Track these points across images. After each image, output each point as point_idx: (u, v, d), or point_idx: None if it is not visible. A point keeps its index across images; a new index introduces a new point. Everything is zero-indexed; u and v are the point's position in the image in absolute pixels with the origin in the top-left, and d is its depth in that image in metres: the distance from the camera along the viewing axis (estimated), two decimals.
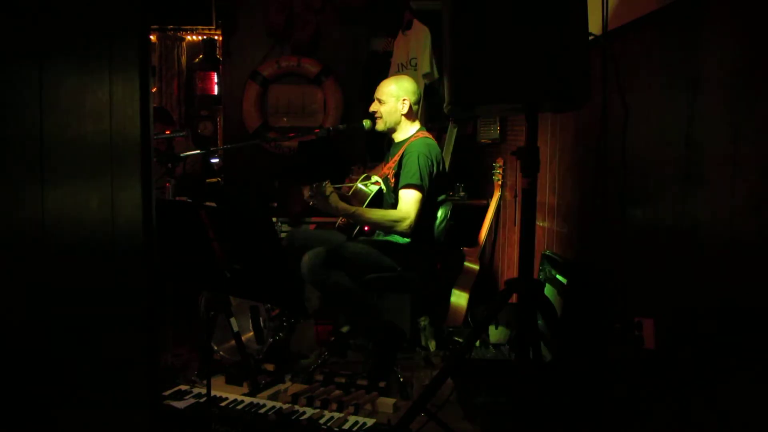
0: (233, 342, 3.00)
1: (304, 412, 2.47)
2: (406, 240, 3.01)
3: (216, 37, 5.68)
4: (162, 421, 2.35)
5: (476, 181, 4.68)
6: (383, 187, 3.13)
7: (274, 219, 4.19)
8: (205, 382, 2.37)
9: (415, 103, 3.14)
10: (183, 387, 2.72)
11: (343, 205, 2.89)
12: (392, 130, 3.18)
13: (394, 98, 3.11)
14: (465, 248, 3.95)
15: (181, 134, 3.75)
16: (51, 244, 1.02)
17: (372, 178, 3.19)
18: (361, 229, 3.19)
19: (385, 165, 3.25)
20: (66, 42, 1.06)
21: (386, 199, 3.12)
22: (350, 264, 2.89)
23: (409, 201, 2.90)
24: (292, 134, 4.86)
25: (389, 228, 2.94)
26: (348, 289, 2.86)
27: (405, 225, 2.88)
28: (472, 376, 2.59)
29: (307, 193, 2.87)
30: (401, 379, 2.91)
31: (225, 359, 3.15)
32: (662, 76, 2.04)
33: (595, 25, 1.98)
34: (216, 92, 5.86)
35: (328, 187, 2.83)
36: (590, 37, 1.88)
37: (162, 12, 5.32)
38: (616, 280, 2.29)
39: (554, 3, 1.79)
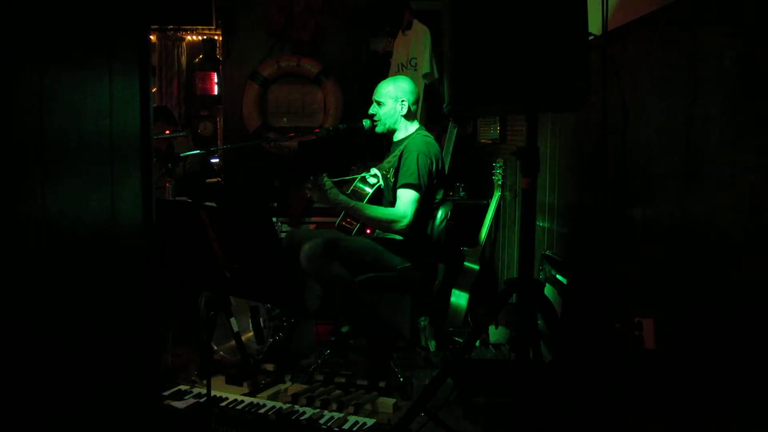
0: (233, 342, 3.00)
1: (304, 412, 2.47)
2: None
3: (216, 37, 5.68)
4: (162, 421, 2.35)
5: (476, 181, 4.68)
6: (381, 183, 3.13)
7: (274, 219, 4.19)
8: (205, 382, 2.36)
9: (413, 103, 3.15)
10: (183, 387, 2.72)
11: (342, 197, 2.90)
12: (392, 130, 3.18)
13: (392, 100, 3.11)
14: (465, 248, 3.95)
15: (181, 134, 3.75)
16: (51, 244, 1.01)
17: (371, 170, 3.18)
18: (361, 229, 3.19)
19: (385, 161, 3.24)
20: (66, 42, 1.06)
21: (385, 196, 3.12)
22: (349, 256, 2.89)
23: (406, 201, 2.90)
24: (292, 134, 4.86)
25: (386, 226, 2.95)
26: (345, 281, 2.86)
27: (402, 224, 2.89)
28: (472, 376, 2.59)
29: (306, 186, 2.87)
30: (401, 379, 2.91)
31: (225, 359, 3.15)
32: (662, 76, 2.04)
33: (595, 25, 1.98)
34: (216, 92, 5.86)
35: (327, 181, 2.84)
36: (590, 37, 1.88)
37: (162, 12, 5.33)
38: (616, 280, 2.29)
39: (554, 3, 1.79)
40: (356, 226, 3.16)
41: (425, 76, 4.44)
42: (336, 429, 2.34)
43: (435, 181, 3.03)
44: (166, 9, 5.34)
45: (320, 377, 2.91)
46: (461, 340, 3.17)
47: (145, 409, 1.23)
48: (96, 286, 1.12)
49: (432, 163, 2.98)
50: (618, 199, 2.28)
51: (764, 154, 1.53)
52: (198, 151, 3.31)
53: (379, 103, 3.14)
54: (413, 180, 2.89)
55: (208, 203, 3.06)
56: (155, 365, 1.25)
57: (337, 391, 2.72)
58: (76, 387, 1.08)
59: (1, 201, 0.93)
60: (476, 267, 3.86)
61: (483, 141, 4.45)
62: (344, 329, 3.25)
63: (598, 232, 2.48)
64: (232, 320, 2.92)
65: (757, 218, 1.55)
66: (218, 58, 5.68)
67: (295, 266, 2.84)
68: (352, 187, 3.17)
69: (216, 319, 2.91)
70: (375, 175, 3.15)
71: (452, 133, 4.25)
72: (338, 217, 3.22)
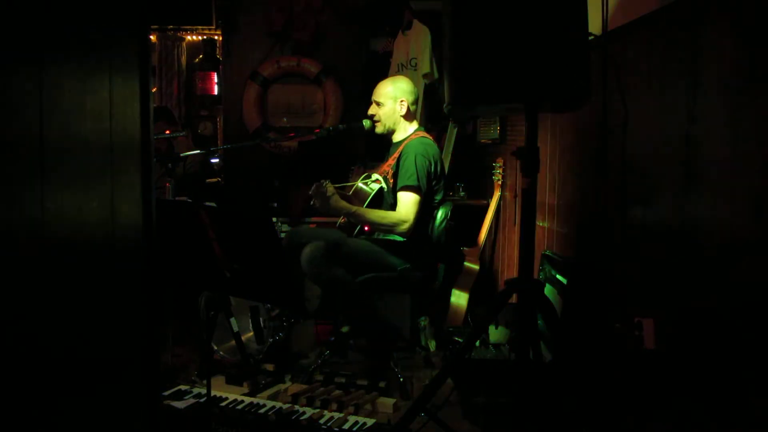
0: (233, 342, 3.00)
1: (304, 412, 2.47)
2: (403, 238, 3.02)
3: (216, 37, 5.68)
4: (162, 421, 2.35)
5: (476, 181, 4.68)
6: (384, 185, 3.13)
7: (274, 219, 4.19)
8: (205, 382, 2.37)
9: (412, 104, 3.15)
10: (183, 387, 2.72)
11: (344, 204, 2.92)
12: (392, 131, 3.18)
13: (392, 100, 3.11)
14: (465, 248, 3.95)
15: (181, 134, 3.75)
16: (51, 244, 1.01)
17: (372, 176, 3.19)
18: (362, 228, 3.19)
19: (384, 164, 3.25)
20: (66, 42, 1.06)
21: (386, 199, 3.13)
22: (350, 259, 2.89)
23: (407, 203, 2.90)
24: (292, 134, 4.86)
25: (388, 230, 2.95)
26: (346, 284, 2.86)
27: (404, 227, 2.89)
28: (472, 376, 2.59)
29: (310, 193, 2.89)
30: (401, 379, 2.91)
31: (225, 359, 3.15)
32: (662, 76, 2.04)
33: (595, 25, 1.98)
34: (216, 92, 5.86)
35: (329, 187, 2.86)
36: (590, 37, 1.88)
37: (162, 12, 5.32)
38: (616, 280, 2.29)
39: (554, 3, 1.79)
40: (358, 226, 3.17)
41: (425, 76, 4.44)
42: (336, 429, 2.33)
43: (434, 183, 3.03)
44: (166, 9, 5.33)
45: (320, 377, 2.91)
46: (461, 340, 3.16)
47: (145, 409, 1.23)
48: (96, 286, 1.12)
49: (430, 165, 2.98)
50: (618, 199, 2.28)
51: (765, 154, 1.53)
52: (198, 151, 3.31)
53: (378, 104, 3.14)
54: (413, 182, 2.90)
55: (208, 203, 3.06)
56: (155, 365, 1.25)
57: (337, 391, 2.72)
58: (75, 387, 1.08)
59: (1, 201, 0.93)
60: (476, 267, 3.86)
61: (483, 141, 4.45)
62: (344, 329, 3.25)
63: (598, 232, 2.48)
64: (232, 320, 2.92)
65: (758, 219, 1.55)
66: (218, 58, 5.68)
67: (295, 266, 2.84)
68: (354, 188, 3.17)
69: (216, 319, 2.92)
70: (377, 180, 3.16)
71: (452, 133, 4.25)
72: (339, 217, 3.23)
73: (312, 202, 2.91)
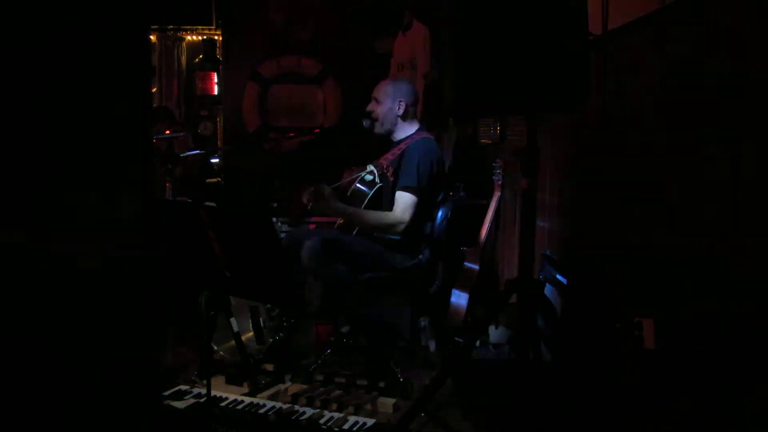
0: (233, 342, 3.00)
1: (304, 412, 2.47)
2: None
3: (216, 37, 5.68)
4: (162, 421, 2.34)
5: (476, 181, 4.67)
6: (378, 180, 3.12)
7: (274, 219, 4.18)
8: (205, 382, 2.37)
9: (411, 105, 3.15)
10: (183, 387, 2.72)
11: (340, 205, 2.92)
12: (390, 131, 3.18)
13: (390, 99, 3.11)
14: (465, 248, 3.95)
15: (181, 134, 3.76)
16: (50, 242, 1.01)
17: (368, 167, 3.18)
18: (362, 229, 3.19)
19: (382, 157, 3.24)
20: (66, 42, 1.06)
21: (386, 196, 3.12)
22: (350, 257, 2.89)
23: (404, 204, 2.90)
24: (292, 134, 4.87)
25: (384, 231, 2.96)
26: (344, 280, 2.86)
27: (399, 229, 2.90)
28: (472, 376, 2.59)
29: (305, 196, 2.90)
30: (401, 379, 2.91)
31: (225, 359, 3.15)
32: (662, 75, 2.04)
33: (595, 25, 1.98)
34: (216, 92, 5.85)
35: (326, 189, 2.87)
36: (590, 37, 1.88)
37: (162, 12, 5.32)
38: (616, 280, 2.29)
39: (554, 3, 1.79)
40: (356, 227, 3.16)
41: (425, 76, 4.44)
42: (336, 429, 2.33)
43: (435, 183, 3.03)
44: (166, 9, 5.34)
45: (320, 377, 2.91)
46: (461, 340, 3.16)
47: (145, 409, 1.23)
48: (95, 286, 1.12)
49: (432, 166, 2.98)
50: (618, 199, 2.28)
51: (764, 153, 1.53)
52: (198, 151, 3.31)
53: (377, 101, 3.14)
54: (412, 183, 2.90)
55: (208, 203, 3.06)
56: (155, 365, 1.25)
57: (337, 391, 2.71)
58: (75, 387, 1.08)
59: (1, 200, 0.93)
60: (476, 267, 3.86)
61: (483, 141, 4.44)
62: (344, 329, 3.25)
63: (598, 232, 2.48)
64: (232, 320, 2.92)
65: (755, 216, 1.55)
66: (218, 58, 5.68)
67: (295, 266, 2.84)
68: (351, 189, 3.17)
69: (216, 319, 2.92)
70: (371, 172, 3.15)
71: (452, 133, 4.25)
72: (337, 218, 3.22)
73: (309, 205, 2.92)
